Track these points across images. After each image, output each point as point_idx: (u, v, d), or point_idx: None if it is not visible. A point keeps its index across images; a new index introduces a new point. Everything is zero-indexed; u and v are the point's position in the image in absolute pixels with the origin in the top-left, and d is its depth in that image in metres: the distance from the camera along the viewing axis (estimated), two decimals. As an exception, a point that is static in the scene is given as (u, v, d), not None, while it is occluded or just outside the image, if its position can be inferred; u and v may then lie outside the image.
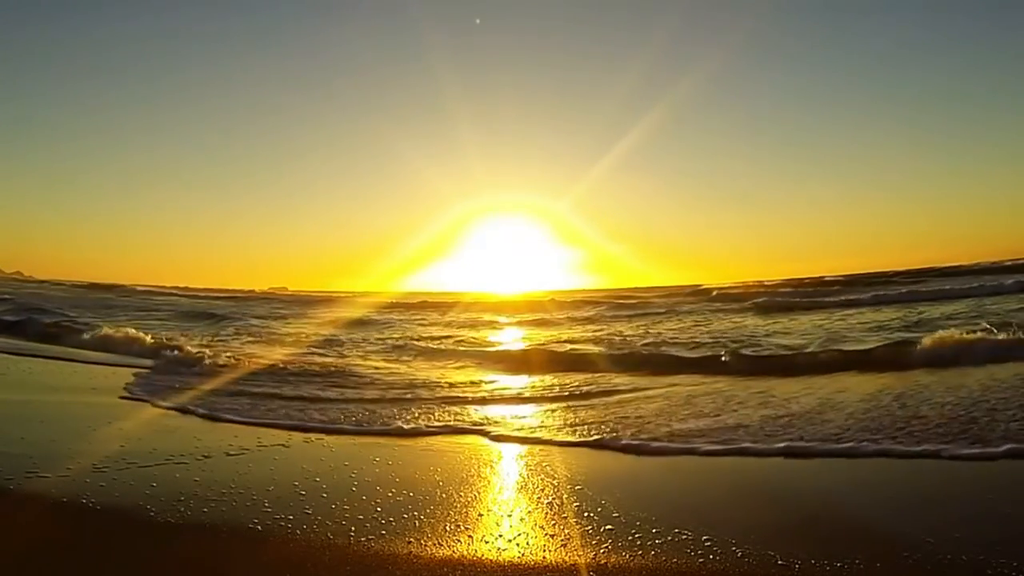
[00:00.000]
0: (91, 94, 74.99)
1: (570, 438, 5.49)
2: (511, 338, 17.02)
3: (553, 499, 3.88)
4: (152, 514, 3.63)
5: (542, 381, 8.94)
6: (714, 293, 27.14)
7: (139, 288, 46.67)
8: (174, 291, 45.47)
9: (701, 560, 2.94)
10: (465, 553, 3.11)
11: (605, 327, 18.39)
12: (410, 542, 3.24)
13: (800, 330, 13.88)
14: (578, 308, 26.58)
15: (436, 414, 6.71)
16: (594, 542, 3.18)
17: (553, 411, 6.87)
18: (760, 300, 21.88)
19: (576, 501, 3.81)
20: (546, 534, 3.32)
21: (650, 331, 16.12)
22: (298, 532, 3.38)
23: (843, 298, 21.18)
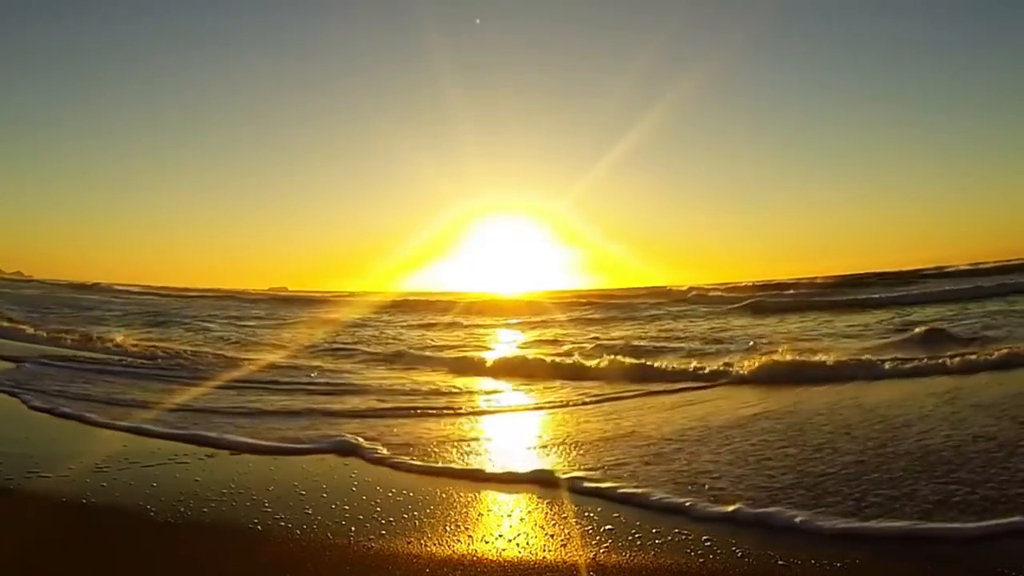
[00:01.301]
0: (92, 94, 74.20)
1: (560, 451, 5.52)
2: (496, 343, 16.89)
3: (553, 499, 3.91)
4: (152, 514, 3.63)
5: (529, 388, 8.89)
6: (692, 294, 26.94)
7: (117, 287, 46.29)
8: (161, 291, 45.13)
9: (701, 560, 2.96)
10: (465, 553, 3.13)
11: (587, 330, 18.25)
12: (410, 542, 3.25)
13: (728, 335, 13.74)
14: (571, 309, 26.54)
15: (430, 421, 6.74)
16: (594, 542, 3.20)
17: (535, 418, 6.90)
18: (745, 302, 21.86)
19: (576, 501, 3.83)
20: (546, 534, 3.34)
21: (646, 334, 16.14)
22: (298, 532, 3.39)
23: (833, 299, 21.29)
